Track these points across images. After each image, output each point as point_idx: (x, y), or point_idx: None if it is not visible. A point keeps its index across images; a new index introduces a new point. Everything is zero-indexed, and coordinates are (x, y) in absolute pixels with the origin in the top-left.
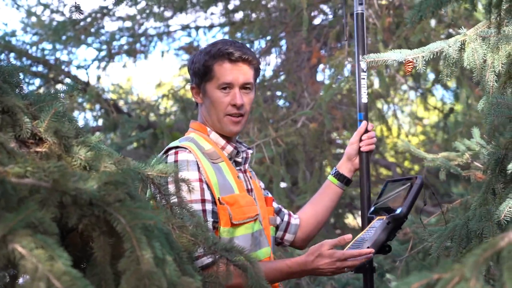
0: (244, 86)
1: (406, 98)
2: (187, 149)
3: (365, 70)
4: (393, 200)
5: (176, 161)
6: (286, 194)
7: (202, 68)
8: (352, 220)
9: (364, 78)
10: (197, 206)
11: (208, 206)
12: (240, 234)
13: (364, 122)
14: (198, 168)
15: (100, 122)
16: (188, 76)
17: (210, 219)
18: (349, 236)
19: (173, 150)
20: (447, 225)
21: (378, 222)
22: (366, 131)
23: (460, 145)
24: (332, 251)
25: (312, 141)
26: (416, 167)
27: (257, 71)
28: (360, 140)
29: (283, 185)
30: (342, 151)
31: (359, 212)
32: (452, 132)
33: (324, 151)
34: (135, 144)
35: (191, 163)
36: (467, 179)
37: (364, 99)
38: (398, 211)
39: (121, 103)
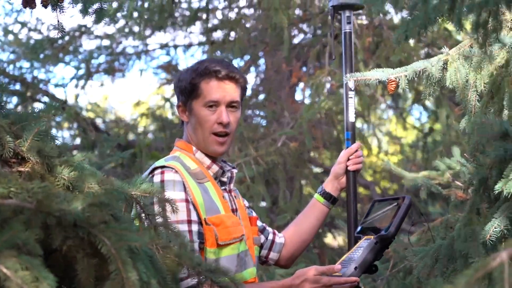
0: (230, 105)
1: (385, 118)
2: (173, 168)
3: (352, 89)
4: (381, 220)
5: (162, 181)
6: (266, 214)
7: (188, 85)
8: (332, 239)
9: (351, 97)
10: (183, 227)
11: (194, 227)
12: (226, 255)
13: (356, 144)
14: (184, 188)
15: (78, 141)
16: (167, 94)
17: (196, 240)
18: (339, 267)
19: (159, 170)
20: (431, 245)
21: (365, 242)
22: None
23: (440, 164)
24: (319, 277)
25: (292, 161)
26: (395, 186)
27: (243, 89)
28: (348, 160)
29: (263, 204)
30: (321, 170)
31: (340, 232)
32: (432, 152)
33: (304, 170)
34: (113, 164)
35: (177, 183)
36: (445, 198)
37: (352, 118)
38: (386, 231)
39: (99, 121)
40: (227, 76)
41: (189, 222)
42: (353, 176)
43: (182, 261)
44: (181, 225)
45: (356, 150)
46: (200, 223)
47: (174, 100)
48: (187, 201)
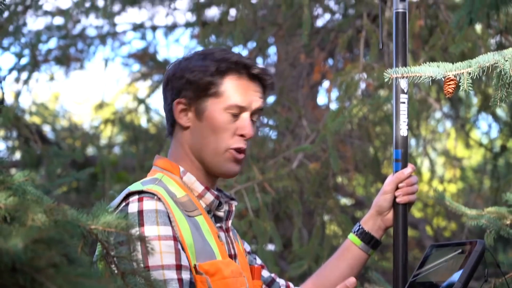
0: (255, 113)
1: (441, 131)
2: (154, 195)
3: (406, 91)
4: (441, 273)
5: (140, 211)
6: (275, 261)
7: (208, 78)
8: None
9: (404, 102)
10: (171, 274)
11: (185, 275)
12: None
13: (409, 167)
14: (170, 222)
15: (18, 155)
16: (141, 94)
17: None
18: (353, 280)
19: (136, 197)
20: None
21: None
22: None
23: None
24: None
25: (311, 188)
26: (453, 226)
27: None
28: (397, 188)
29: (270, 247)
30: (352, 202)
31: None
32: (504, 179)
33: (328, 201)
34: (64, 188)
35: (161, 213)
36: None
37: (404, 131)
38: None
39: (46, 129)
40: (260, 76)
41: (179, 267)
42: (403, 211)
43: None
44: (167, 271)
45: (409, 176)
46: (190, 270)
47: (151, 101)
48: (175, 239)
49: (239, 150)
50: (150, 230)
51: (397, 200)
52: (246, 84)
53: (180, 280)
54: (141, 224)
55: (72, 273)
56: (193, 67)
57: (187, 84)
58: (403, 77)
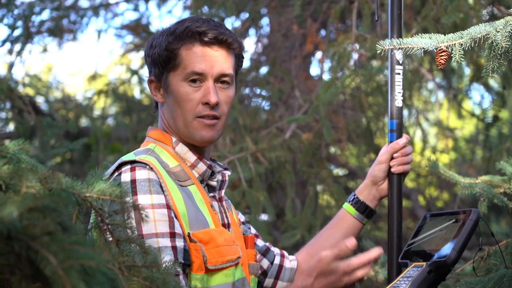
0: (220, 79)
1: (433, 102)
2: (147, 165)
3: (401, 61)
4: (435, 242)
5: (133, 181)
6: (269, 230)
7: (164, 53)
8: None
9: (399, 73)
10: (165, 242)
11: (179, 243)
12: (217, 284)
13: (404, 137)
14: (163, 191)
15: (12, 126)
16: (134, 65)
17: (181, 259)
18: (353, 241)
19: (128, 166)
20: (490, 275)
21: (414, 270)
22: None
23: (507, 166)
24: (335, 265)
25: (304, 158)
26: (445, 196)
27: (239, 59)
28: (391, 158)
29: (264, 217)
30: (345, 172)
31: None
32: (496, 149)
33: (321, 171)
34: (58, 159)
35: (154, 182)
36: None
37: (399, 102)
38: (444, 256)
39: (40, 101)
40: (216, 40)
41: (172, 235)
42: (398, 181)
43: (154, 286)
44: (161, 238)
45: (404, 146)
46: (184, 238)
47: (144, 72)
48: (168, 207)
49: (207, 117)
50: (143, 198)
51: (392, 170)
52: (201, 51)
53: (174, 248)
54: (134, 193)
55: (67, 241)
56: (155, 44)
57: (152, 62)
58: (395, 49)
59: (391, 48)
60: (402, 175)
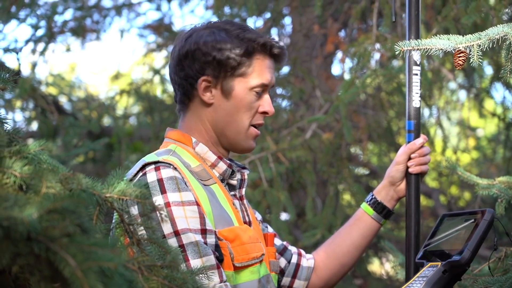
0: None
1: (455, 101)
2: (170, 164)
3: (418, 62)
4: (452, 242)
5: (160, 180)
6: (289, 230)
7: (237, 58)
8: (379, 266)
9: (417, 74)
10: (198, 238)
11: (210, 239)
12: (244, 281)
13: (421, 137)
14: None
15: (35, 126)
16: (157, 64)
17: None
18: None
19: (152, 166)
20: (508, 275)
21: (430, 270)
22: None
23: None
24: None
25: (325, 158)
26: (467, 196)
27: None
28: (409, 159)
29: (284, 217)
30: (366, 171)
31: (389, 257)
32: None
33: (342, 171)
34: (81, 158)
35: (180, 181)
36: None
37: (416, 103)
38: (458, 256)
39: (63, 100)
40: (279, 55)
41: (203, 232)
42: (416, 182)
43: (175, 286)
44: (195, 234)
45: (422, 146)
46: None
47: (166, 72)
48: (198, 204)
49: (257, 126)
50: (172, 196)
51: (410, 170)
52: (269, 64)
53: (206, 244)
54: (162, 191)
55: (85, 243)
56: (220, 46)
57: (214, 62)
58: (414, 50)
59: (409, 49)
60: (420, 175)
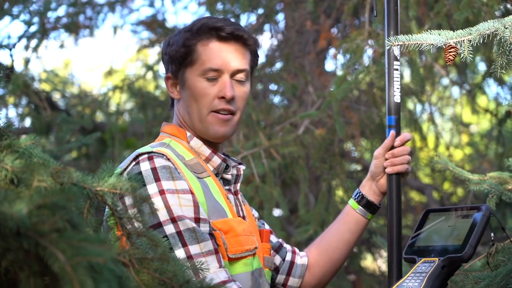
0: (236, 74)
1: (448, 97)
2: (163, 155)
3: (398, 57)
4: (447, 237)
5: (154, 168)
6: (282, 226)
7: (181, 49)
8: (371, 262)
9: (397, 69)
10: (194, 225)
11: (204, 228)
12: (238, 273)
13: (402, 135)
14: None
15: (28, 122)
16: (150, 60)
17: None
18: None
19: (146, 155)
20: (498, 270)
21: (427, 266)
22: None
23: None
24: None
25: (318, 154)
26: (460, 191)
27: (255, 56)
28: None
29: (277, 213)
30: (358, 167)
31: (382, 252)
32: (510, 144)
33: (335, 167)
34: (74, 154)
35: (173, 170)
36: None
37: (397, 98)
38: (460, 252)
39: (56, 96)
40: (232, 35)
41: (197, 220)
42: (396, 179)
43: (165, 279)
44: (189, 221)
45: (402, 144)
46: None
47: (160, 68)
48: (192, 192)
49: (221, 111)
50: (167, 184)
51: (386, 170)
52: (218, 47)
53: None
54: (156, 179)
55: (75, 238)
56: (172, 42)
57: (168, 59)
58: (404, 45)
59: (399, 45)
60: (401, 174)
